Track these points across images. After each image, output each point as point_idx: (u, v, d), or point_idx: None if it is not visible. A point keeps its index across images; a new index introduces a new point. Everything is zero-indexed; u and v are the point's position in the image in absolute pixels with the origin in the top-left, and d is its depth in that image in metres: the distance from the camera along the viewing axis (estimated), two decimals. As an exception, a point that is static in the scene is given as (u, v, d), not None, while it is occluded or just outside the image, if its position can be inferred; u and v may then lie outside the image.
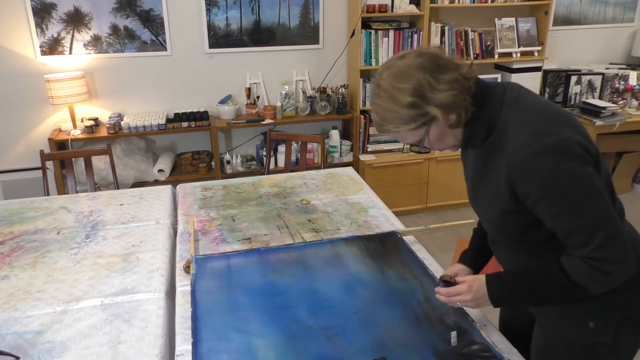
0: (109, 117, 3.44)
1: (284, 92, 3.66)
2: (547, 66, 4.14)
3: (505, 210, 1.13)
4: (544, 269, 1.12)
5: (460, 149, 1.28)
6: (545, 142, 1.02)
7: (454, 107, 1.09)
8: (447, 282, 1.26)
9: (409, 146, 1.20)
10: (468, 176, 1.31)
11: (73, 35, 3.34)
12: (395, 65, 1.10)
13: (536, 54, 3.98)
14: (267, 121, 3.57)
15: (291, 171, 2.69)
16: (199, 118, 3.47)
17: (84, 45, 3.37)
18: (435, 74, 1.07)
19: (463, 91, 1.08)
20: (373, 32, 3.57)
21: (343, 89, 3.71)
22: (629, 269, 1.05)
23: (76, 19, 3.31)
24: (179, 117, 3.44)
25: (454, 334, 1.27)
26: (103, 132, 3.36)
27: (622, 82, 4.06)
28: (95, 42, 3.39)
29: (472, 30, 3.82)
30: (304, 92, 3.78)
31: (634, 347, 1.22)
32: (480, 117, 1.13)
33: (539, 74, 4.00)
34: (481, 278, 1.19)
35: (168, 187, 2.38)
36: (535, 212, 1.08)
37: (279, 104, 3.62)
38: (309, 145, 3.67)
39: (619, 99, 4.06)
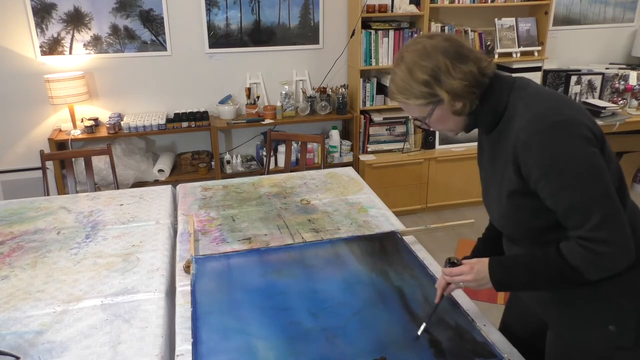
0: (109, 117, 3.44)
1: (284, 92, 3.66)
2: (547, 66, 4.14)
3: (512, 190, 1.14)
4: (544, 252, 1.13)
5: (477, 159, 1.33)
6: (549, 119, 1.05)
7: (462, 96, 1.13)
8: (454, 263, 1.28)
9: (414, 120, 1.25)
10: (482, 176, 1.33)
11: (73, 35, 3.34)
12: (422, 42, 1.15)
13: (536, 54, 3.98)
14: (267, 121, 3.57)
15: (291, 171, 2.69)
16: (199, 118, 3.47)
17: (84, 45, 3.37)
18: (455, 62, 1.11)
19: (475, 84, 1.13)
20: (373, 32, 3.57)
21: (343, 89, 3.71)
22: (626, 253, 1.04)
23: (76, 19, 3.31)
24: (179, 117, 3.44)
25: (424, 326, 1.30)
26: (103, 132, 3.36)
27: (622, 82, 4.06)
28: (95, 42, 3.39)
29: (472, 30, 3.82)
30: (304, 92, 3.78)
31: None
32: (487, 102, 1.16)
33: (539, 74, 4.00)
34: (484, 260, 1.20)
35: (168, 187, 2.38)
36: (538, 191, 1.08)
37: (279, 104, 3.62)
38: (309, 145, 3.67)
39: (619, 99, 4.06)
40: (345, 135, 3.97)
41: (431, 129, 1.24)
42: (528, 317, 1.40)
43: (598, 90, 4.08)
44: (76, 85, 3.24)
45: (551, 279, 1.12)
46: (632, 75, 4.05)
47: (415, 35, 3.62)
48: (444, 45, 1.12)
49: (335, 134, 3.79)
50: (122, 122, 3.37)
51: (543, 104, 1.09)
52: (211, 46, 3.58)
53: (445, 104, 1.14)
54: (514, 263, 1.18)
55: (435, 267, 1.63)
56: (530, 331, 1.40)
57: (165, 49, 3.51)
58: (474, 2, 3.72)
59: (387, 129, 3.84)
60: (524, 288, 1.26)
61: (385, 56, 3.64)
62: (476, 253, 1.42)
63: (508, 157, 1.12)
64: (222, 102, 3.65)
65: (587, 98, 4.04)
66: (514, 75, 1.22)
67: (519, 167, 1.10)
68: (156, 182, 3.50)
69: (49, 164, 3.25)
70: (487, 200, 1.30)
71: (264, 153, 3.73)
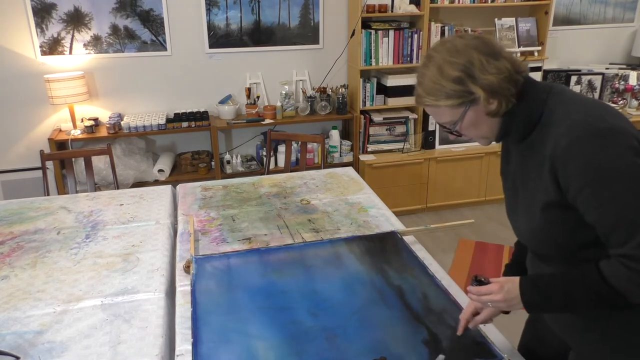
0: (109, 117, 3.44)
1: (284, 92, 3.66)
2: (547, 66, 4.14)
3: (548, 202, 1.06)
4: (580, 271, 1.04)
5: (500, 168, 1.26)
6: (593, 126, 0.97)
7: (498, 92, 1.06)
8: (480, 281, 1.20)
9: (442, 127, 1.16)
10: (507, 189, 1.25)
11: (73, 35, 3.34)
12: (451, 41, 1.10)
13: (536, 54, 3.98)
14: (267, 121, 3.57)
15: (291, 171, 2.69)
16: (199, 118, 3.47)
17: (84, 45, 3.37)
18: (488, 57, 1.06)
19: (510, 81, 1.07)
20: (373, 32, 3.57)
21: (343, 89, 3.71)
22: None
23: (76, 19, 3.31)
24: (179, 117, 3.44)
25: (441, 357, 1.23)
26: (103, 132, 3.36)
27: (622, 82, 4.06)
28: (95, 42, 3.39)
29: (472, 30, 3.82)
30: (304, 92, 3.78)
31: None
32: (522, 108, 1.09)
33: (539, 74, 4.00)
34: (515, 279, 1.12)
35: (168, 187, 2.38)
36: (577, 204, 1.01)
37: (279, 104, 3.62)
38: (309, 145, 3.67)
39: (619, 99, 4.07)
40: (345, 135, 3.97)
41: (462, 136, 1.15)
42: (548, 337, 1.33)
43: (598, 90, 4.08)
44: (76, 85, 3.24)
45: (589, 302, 1.03)
46: (632, 75, 4.05)
47: (416, 35, 3.62)
48: (475, 43, 1.07)
49: (335, 134, 3.79)
50: (122, 122, 3.37)
51: (585, 110, 1.02)
52: (211, 46, 3.58)
53: (480, 103, 1.07)
54: (547, 283, 1.08)
55: (435, 267, 1.63)
56: (551, 352, 1.34)
57: (165, 49, 3.51)
58: (474, 2, 3.72)
59: (387, 129, 3.84)
60: (557, 310, 1.15)
61: (385, 56, 3.64)
62: (508, 274, 1.34)
63: (544, 166, 1.05)
64: (222, 102, 3.65)
65: (587, 98, 4.04)
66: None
67: (557, 176, 1.02)
68: (156, 182, 3.50)
69: (49, 164, 3.25)
70: (514, 214, 1.22)
71: (264, 153, 3.73)
